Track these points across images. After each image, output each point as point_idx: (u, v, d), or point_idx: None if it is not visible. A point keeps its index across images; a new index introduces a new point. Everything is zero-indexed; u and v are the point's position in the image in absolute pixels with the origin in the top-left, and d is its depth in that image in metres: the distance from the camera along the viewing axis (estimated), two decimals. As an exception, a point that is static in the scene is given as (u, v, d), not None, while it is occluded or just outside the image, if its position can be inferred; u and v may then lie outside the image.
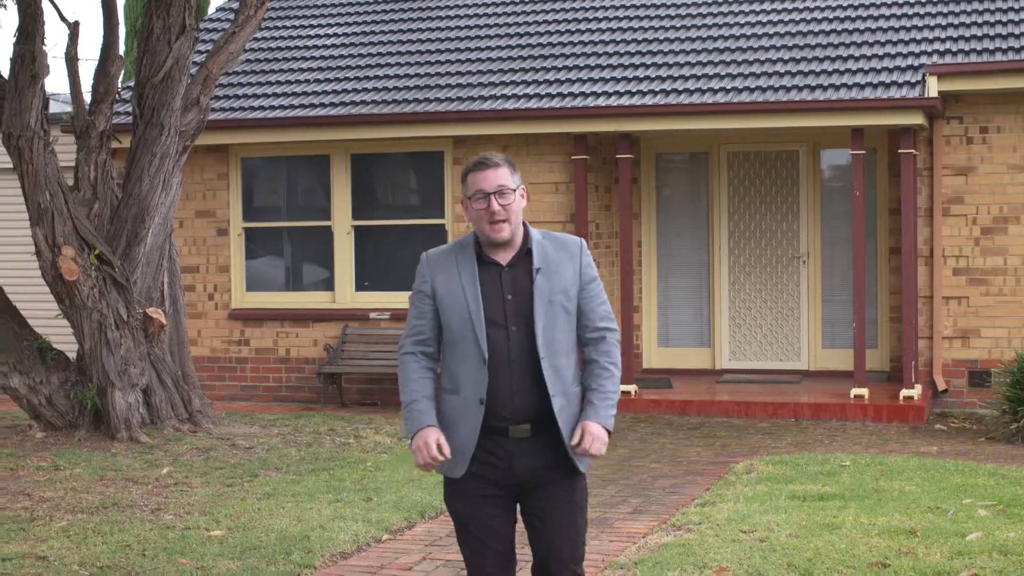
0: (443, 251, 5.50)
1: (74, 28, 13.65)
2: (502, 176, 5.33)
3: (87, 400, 12.82)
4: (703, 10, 17.37)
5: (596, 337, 5.47)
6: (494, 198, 5.29)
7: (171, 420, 13.04)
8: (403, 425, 5.55)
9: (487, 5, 18.60)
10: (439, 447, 5.31)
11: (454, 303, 5.34)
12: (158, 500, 10.01)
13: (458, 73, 16.61)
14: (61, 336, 15.44)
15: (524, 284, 5.36)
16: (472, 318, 5.30)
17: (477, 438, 5.31)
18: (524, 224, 5.45)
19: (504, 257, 5.39)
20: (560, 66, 16.39)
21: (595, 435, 5.31)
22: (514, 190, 5.34)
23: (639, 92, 15.41)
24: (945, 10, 16.27)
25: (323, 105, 16.29)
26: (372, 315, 16.31)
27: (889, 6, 16.65)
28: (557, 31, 17.40)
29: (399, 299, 16.25)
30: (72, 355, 13.42)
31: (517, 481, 5.38)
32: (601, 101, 15.31)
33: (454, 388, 5.38)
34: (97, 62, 13.55)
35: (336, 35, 18.40)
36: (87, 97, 13.83)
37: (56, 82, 71.36)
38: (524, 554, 5.70)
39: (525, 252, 5.40)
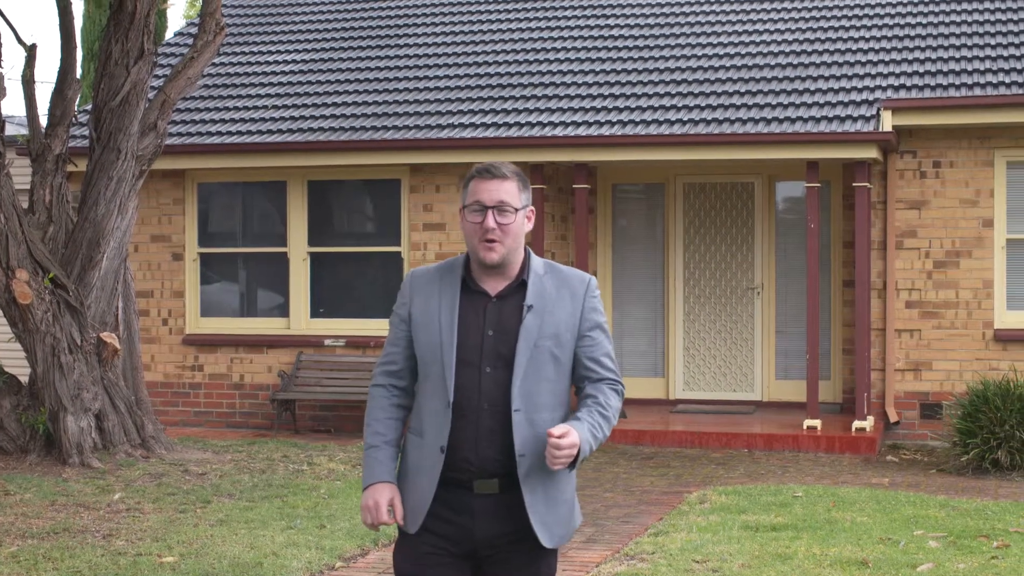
0: (430, 271, 4.82)
1: (31, 51, 13.61)
2: (507, 191, 4.63)
3: (39, 424, 12.73)
4: (660, 42, 17.48)
5: (596, 381, 4.75)
6: (492, 213, 4.60)
7: (124, 445, 12.97)
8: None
9: (445, 34, 18.66)
10: (391, 509, 4.69)
11: (427, 333, 4.67)
12: (110, 526, 9.95)
13: (416, 101, 16.64)
14: (13, 360, 15.35)
15: (510, 321, 4.64)
16: (443, 353, 4.62)
17: (435, 491, 4.62)
18: (527, 251, 4.75)
19: (494, 286, 4.69)
20: (518, 95, 16.45)
21: (571, 446, 4.45)
22: (518, 210, 4.64)
23: (596, 123, 15.48)
24: (900, 45, 16.43)
25: (280, 131, 16.29)
26: (327, 342, 16.29)
27: (845, 40, 16.81)
28: (515, 60, 17.46)
29: (354, 326, 16.26)
30: (24, 379, 13.33)
31: (477, 546, 4.65)
32: (558, 131, 15.37)
33: (419, 430, 4.69)
34: (54, 85, 13.51)
35: (294, 62, 18.42)
36: (43, 120, 13.78)
37: (12, 104, 71.04)
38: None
39: (519, 284, 4.70)
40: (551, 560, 4.75)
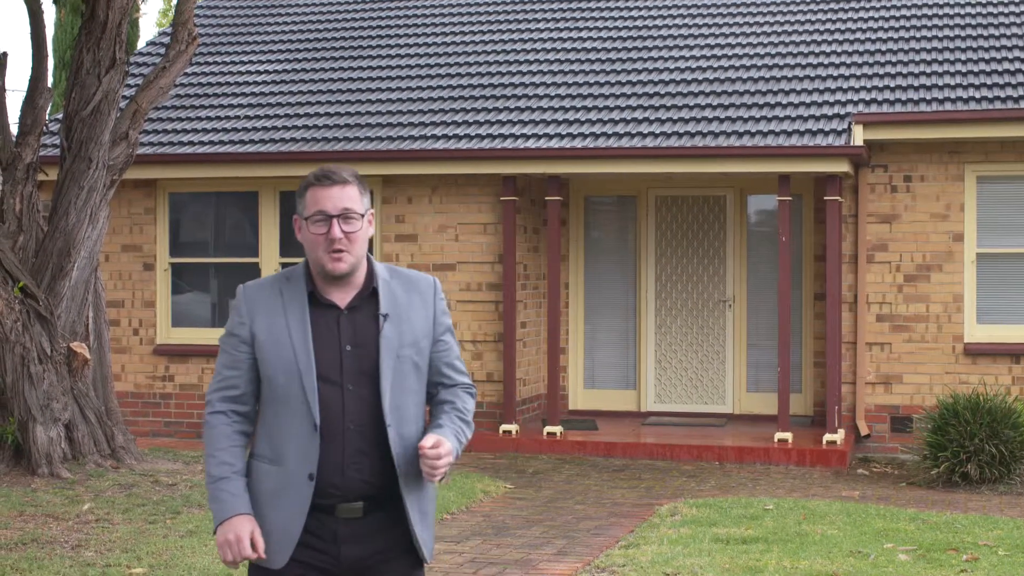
0: (265, 284, 4.49)
1: (2, 59, 13.55)
2: (349, 196, 4.36)
3: (8, 434, 12.66)
4: (633, 55, 17.51)
5: (451, 386, 4.58)
6: (337, 222, 4.33)
7: (93, 456, 12.90)
8: (211, 508, 4.49)
9: (418, 45, 18.66)
10: (253, 543, 4.36)
11: (278, 353, 4.37)
12: (79, 537, 9.90)
13: (388, 112, 16.63)
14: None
15: (367, 333, 4.40)
16: (301, 373, 4.34)
17: (304, 521, 4.35)
18: (368, 259, 4.50)
19: (343, 298, 4.43)
20: (490, 107, 16.45)
21: (447, 454, 4.31)
22: (362, 215, 4.39)
23: (569, 135, 15.50)
24: (871, 60, 16.50)
25: (252, 142, 16.25)
26: (298, 353, 16.22)
27: (817, 55, 16.87)
28: (488, 72, 17.47)
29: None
30: (-7, 389, 13.25)
31: (343, 572, 4.42)
32: (531, 143, 15.38)
33: (275, 457, 4.40)
34: (25, 94, 13.45)
35: (267, 72, 18.39)
36: (14, 129, 13.72)
37: (-19, 113, 70.69)
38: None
39: (369, 293, 4.45)
40: (421, 574, 4.57)
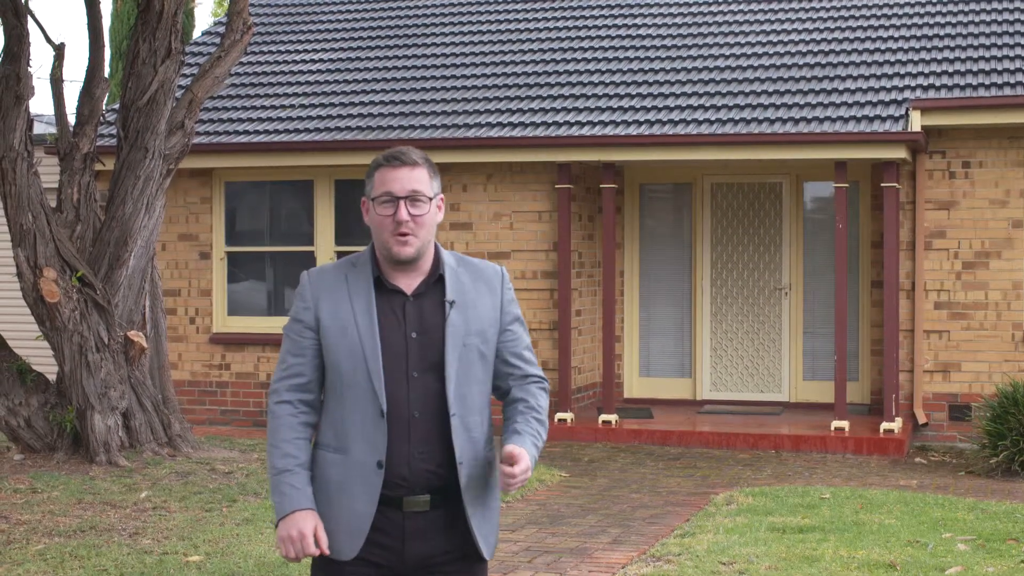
0: (330, 270, 4.40)
1: (59, 50, 13.64)
2: (418, 179, 4.27)
3: (66, 423, 12.75)
4: (688, 41, 17.43)
5: (522, 379, 4.47)
6: (404, 204, 4.24)
7: (150, 444, 12.98)
8: (273, 501, 4.38)
9: (472, 33, 18.65)
10: (316, 540, 4.26)
11: (343, 338, 4.27)
12: (136, 524, 9.96)
13: (443, 100, 16.63)
14: (41, 358, 15.39)
15: (433, 320, 4.31)
16: (367, 359, 4.25)
17: (375, 512, 4.25)
18: (436, 245, 4.40)
19: (409, 284, 4.33)
20: (545, 95, 16.42)
21: (524, 470, 4.20)
22: (431, 199, 4.29)
23: (624, 122, 15.44)
24: (929, 45, 16.34)
25: (307, 130, 16.30)
26: (354, 341, 16.25)
27: (873, 40, 16.73)
28: (543, 60, 17.44)
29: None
30: (52, 377, 13.36)
31: (408, 570, 4.33)
32: (586, 131, 15.34)
33: (340, 446, 4.31)
34: (82, 84, 13.52)
35: (321, 60, 18.43)
36: (71, 119, 13.80)
37: (41, 103, 71.37)
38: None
39: (436, 279, 4.36)
40: (483, 571, 4.46)
